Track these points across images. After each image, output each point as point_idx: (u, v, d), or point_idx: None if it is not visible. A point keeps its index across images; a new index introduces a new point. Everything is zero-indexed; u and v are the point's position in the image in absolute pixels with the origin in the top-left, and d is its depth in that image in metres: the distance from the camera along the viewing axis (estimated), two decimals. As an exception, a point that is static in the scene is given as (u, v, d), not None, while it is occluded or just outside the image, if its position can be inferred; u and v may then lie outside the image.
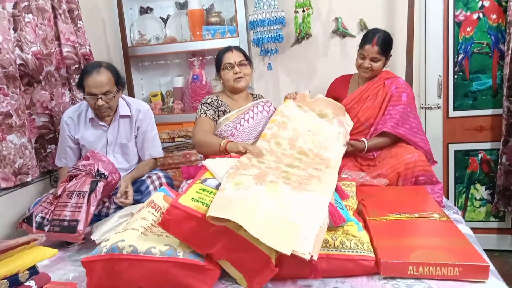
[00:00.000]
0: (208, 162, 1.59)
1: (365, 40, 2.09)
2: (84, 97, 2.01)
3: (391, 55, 2.14)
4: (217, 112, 2.03)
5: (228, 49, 2.08)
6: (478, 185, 2.77)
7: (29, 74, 2.17)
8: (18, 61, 2.09)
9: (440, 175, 2.77)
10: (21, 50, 2.13)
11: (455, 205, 2.81)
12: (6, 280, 0.97)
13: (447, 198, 2.80)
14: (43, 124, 2.27)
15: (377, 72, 2.13)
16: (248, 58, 2.10)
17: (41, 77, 2.23)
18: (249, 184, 1.35)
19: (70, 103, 2.44)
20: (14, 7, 2.10)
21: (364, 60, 2.09)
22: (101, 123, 2.07)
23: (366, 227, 1.46)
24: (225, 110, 2.04)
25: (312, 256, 1.15)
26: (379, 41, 2.04)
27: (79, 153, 2.15)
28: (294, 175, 1.52)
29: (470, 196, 2.80)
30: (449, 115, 2.72)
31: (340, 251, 1.29)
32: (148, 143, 2.15)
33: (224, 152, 1.80)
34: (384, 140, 2.07)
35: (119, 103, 2.09)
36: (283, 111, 2.00)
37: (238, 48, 2.11)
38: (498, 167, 2.61)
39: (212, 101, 2.06)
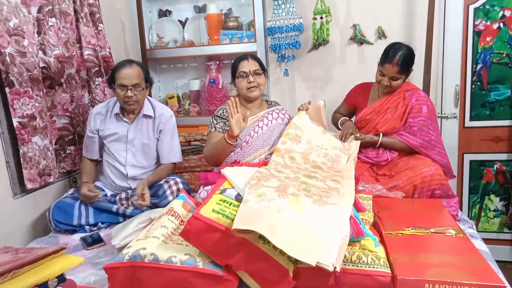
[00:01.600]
0: (226, 171, 1.62)
1: (385, 58, 2.05)
2: (115, 89, 2.10)
3: (412, 70, 2.12)
4: (227, 123, 2.04)
5: (244, 57, 2.08)
6: (492, 196, 2.76)
7: (51, 77, 2.21)
8: (41, 64, 2.14)
9: (454, 185, 2.77)
10: (44, 53, 2.17)
11: (468, 215, 2.81)
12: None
13: (461, 208, 2.80)
14: (63, 126, 2.32)
15: (397, 89, 2.13)
16: (263, 67, 2.11)
17: (62, 80, 2.28)
18: (271, 196, 1.38)
19: (89, 105, 2.49)
20: (39, 11, 2.14)
21: (384, 77, 2.08)
22: (124, 119, 2.16)
23: (381, 240, 1.47)
24: None
25: (335, 268, 1.17)
26: (399, 61, 2.01)
27: (101, 148, 2.24)
28: (314, 187, 1.54)
29: (484, 206, 2.79)
30: (466, 125, 2.71)
31: (357, 266, 1.31)
32: (168, 147, 2.21)
33: (231, 140, 1.88)
34: (400, 144, 2.07)
35: (145, 103, 2.17)
36: (297, 123, 2.01)
37: (254, 57, 2.11)
38: (514, 178, 2.60)
39: (223, 112, 2.09)
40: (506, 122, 2.64)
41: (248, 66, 2.04)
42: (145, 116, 2.17)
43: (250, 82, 2.03)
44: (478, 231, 2.83)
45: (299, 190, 1.46)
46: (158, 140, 2.20)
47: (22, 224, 2.06)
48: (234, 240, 1.28)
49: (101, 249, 1.80)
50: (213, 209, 1.32)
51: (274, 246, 1.22)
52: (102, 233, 1.94)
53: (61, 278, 1.10)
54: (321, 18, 2.58)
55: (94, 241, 1.85)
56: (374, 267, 1.30)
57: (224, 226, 1.29)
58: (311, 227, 1.28)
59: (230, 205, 1.37)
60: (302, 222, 1.30)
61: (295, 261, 1.30)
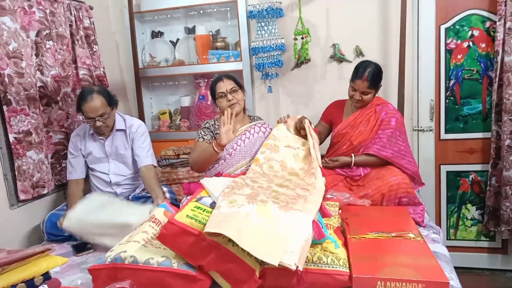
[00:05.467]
0: (205, 181, 1.76)
1: (356, 75, 2.21)
2: (84, 121, 2.28)
3: (381, 85, 2.27)
4: (213, 136, 2.20)
5: (219, 78, 2.23)
6: (469, 205, 2.88)
7: (48, 95, 2.37)
8: (39, 84, 2.30)
9: (432, 195, 2.89)
10: (42, 73, 2.34)
11: (446, 224, 2.93)
12: (24, 283, 1.15)
13: (440, 217, 2.92)
14: (59, 141, 2.47)
15: (368, 103, 2.28)
16: (239, 84, 2.25)
17: (58, 98, 2.44)
18: (242, 203, 1.51)
19: (84, 121, 2.64)
20: (37, 35, 2.31)
21: (355, 92, 2.23)
22: (99, 137, 2.35)
23: (345, 244, 1.60)
24: None
25: (297, 267, 1.29)
26: (369, 77, 2.16)
27: (86, 165, 2.38)
28: (283, 195, 1.67)
29: (461, 215, 2.90)
30: (441, 138, 2.84)
31: (317, 266, 1.43)
32: (140, 152, 2.35)
33: (218, 148, 2.00)
34: (372, 159, 2.21)
35: (116, 118, 2.36)
36: (275, 134, 2.16)
37: (228, 76, 2.25)
38: (488, 188, 2.72)
39: (209, 125, 2.24)
40: (479, 135, 2.78)
41: (224, 86, 2.19)
42: (118, 130, 2.36)
43: (229, 100, 2.18)
44: (456, 239, 2.97)
45: (268, 197, 1.59)
46: (132, 149, 2.37)
47: (18, 233, 2.20)
48: (206, 243, 1.40)
49: (89, 255, 1.93)
50: (187, 215, 1.45)
51: (242, 248, 1.34)
52: (91, 241, 2.07)
53: (46, 276, 1.23)
54: (302, 38, 2.74)
55: (83, 248, 1.98)
56: (333, 267, 1.43)
57: (197, 230, 1.41)
58: (276, 231, 1.41)
59: (203, 211, 1.50)
60: (268, 226, 1.42)
61: (262, 262, 1.42)
